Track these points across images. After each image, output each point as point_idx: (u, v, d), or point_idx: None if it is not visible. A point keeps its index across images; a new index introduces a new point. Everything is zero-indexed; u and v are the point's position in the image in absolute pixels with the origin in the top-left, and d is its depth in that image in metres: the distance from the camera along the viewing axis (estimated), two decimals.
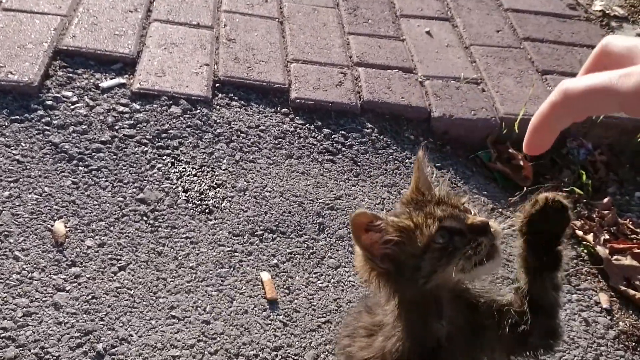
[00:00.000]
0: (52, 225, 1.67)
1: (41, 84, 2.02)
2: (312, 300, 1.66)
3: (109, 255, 1.65)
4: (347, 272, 1.75)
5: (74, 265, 1.60)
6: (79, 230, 1.69)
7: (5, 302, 1.49)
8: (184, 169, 1.91)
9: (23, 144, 1.86)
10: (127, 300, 1.56)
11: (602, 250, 1.95)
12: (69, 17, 2.29)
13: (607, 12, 3.05)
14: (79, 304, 1.52)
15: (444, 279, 0.95)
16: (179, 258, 1.68)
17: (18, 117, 1.92)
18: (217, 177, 1.92)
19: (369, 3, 2.78)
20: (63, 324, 1.48)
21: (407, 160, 2.12)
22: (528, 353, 1.07)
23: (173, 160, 1.93)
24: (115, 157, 1.89)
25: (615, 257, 1.95)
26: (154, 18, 2.41)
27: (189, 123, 2.04)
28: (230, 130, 2.06)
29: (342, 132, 2.15)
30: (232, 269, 1.69)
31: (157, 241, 1.71)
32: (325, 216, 1.88)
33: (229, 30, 2.44)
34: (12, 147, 1.84)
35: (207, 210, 1.82)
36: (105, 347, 1.45)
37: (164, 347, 1.48)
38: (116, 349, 1.46)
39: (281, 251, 1.76)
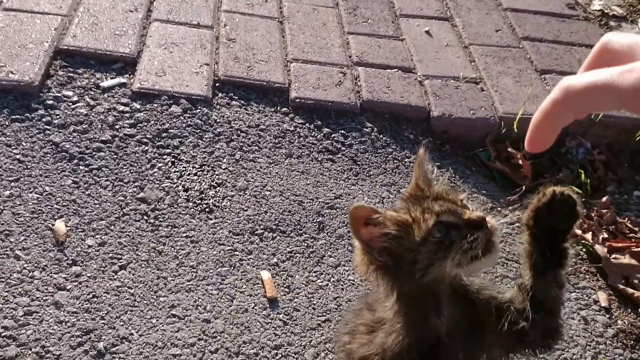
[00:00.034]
0: (52, 225, 1.68)
1: (42, 83, 2.02)
2: (312, 299, 1.67)
3: (110, 254, 1.65)
4: (347, 270, 1.76)
5: (75, 264, 1.61)
6: (79, 230, 1.69)
7: (6, 301, 1.49)
8: (184, 168, 1.92)
9: (24, 144, 1.86)
10: (127, 299, 1.57)
11: (600, 249, 1.96)
12: (69, 17, 2.30)
13: (605, 11, 3.05)
14: (79, 303, 1.53)
15: (441, 272, 0.96)
16: (180, 257, 1.69)
17: (19, 116, 1.93)
18: (217, 176, 1.92)
19: (368, 3, 2.78)
20: (64, 323, 1.48)
21: (406, 160, 2.13)
22: (527, 351, 1.08)
23: (173, 159, 1.94)
24: (115, 156, 1.90)
25: (613, 255, 1.96)
26: (154, 18, 2.42)
27: (189, 122, 2.04)
28: (231, 129, 2.06)
29: (342, 131, 2.15)
30: (232, 267, 1.69)
31: (157, 240, 1.71)
32: (325, 215, 1.89)
33: (229, 30, 2.44)
34: (13, 147, 1.85)
35: (207, 210, 1.83)
36: (106, 346, 1.46)
37: (165, 345, 1.49)
38: (117, 347, 1.46)
39: (281, 250, 1.77)
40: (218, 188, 1.89)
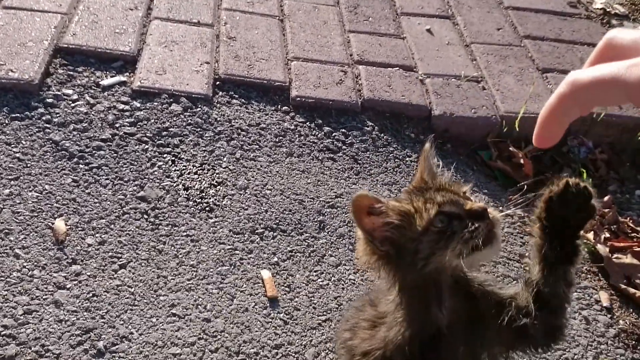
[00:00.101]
0: (52, 223, 1.68)
1: (42, 81, 2.02)
2: (312, 298, 1.66)
3: (110, 253, 1.65)
4: (348, 270, 1.75)
5: (75, 263, 1.60)
6: (79, 228, 1.69)
7: (5, 300, 1.49)
8: (184, 167, 1.91)
9: (24, 142, 1.86)
10: (127, 298, 1.56)
11: (602, 249, 1.96)
12: (69, 15, 2.29)
13: (607, 10, 3.04)
14: (79, 302, 1.53)
15: (442, 262, 0.96)
16: (180, 256, 1.68)
17: (19, 115, 1.92)
18: (217, 175, 1.92)
19: (369, 1, 2.78)
20: (64, 322, 1.48)
21: (407, 159, 2.12)
22: (528, 348, 1.07)
23: (174, 158, 1.93)
24: (115, 155, 1.89)
25: (615, 255, 1.95)
26: (154, 16, 2.41)
27: (189, 121, 2.04)
28: (231, 128, 2.06)
29: (343, 130, 2.15)
30: (232, 267, 1.69)
31: (157, 239, 1.71)
32: (325, 214, 1.88)
33: (230, 28, 2.44)
34: (13, 145, 1.84)
35: (207, 208, 1.82)
36: (105, 345, 1.45)
37: (165, 344, 1.48)
38: (117, 346, 1.46)
39: (282, 249, 1.76)
40: (218, 187, 1.89)
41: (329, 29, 2.56)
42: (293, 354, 1.53)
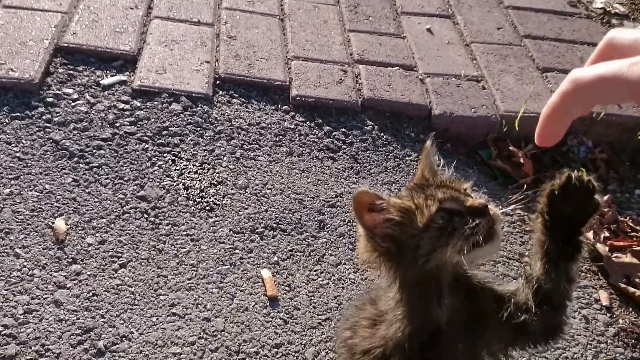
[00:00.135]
0: (52, 223, 1.68)
1: (42, 81, 2.02)
2: (312, 298, 1.66)
3: (110, 253, 1.65)
4: (348, 269, 1.75)
5: (75, 263, 1.61)
6: (79, 228, 1.69)
7: (6, 299, 1.49)
8: (184, 167, 1.91)
9: (24, 141, 1.86)
10: (127, 297, 1.56)
11: (602, 248, 1.96)
12: (69, 14, 2.29)
13: (607, 9, 3.04)
14: (79, 302, 1.53)
15: (442, 259, 0.96)
16: (180, 255, 1.68)
17: (19, 114, 1.92)
18: (217, 175, 1.92)
19: (369, 0, 2.78)
20: (64, 321, 1.48)
21: (407, 158, 2.13)
22: (528, 345, 1.07)
23: (174, 157, 1.93)
24: (116, 154, 1.89)
25: (615, 254, 1.95)
26: (154, 15, 2.41)
27: (189, 120, 2.04)
28: (231, 127, 2.06)
29: (343, 129, 2.15)
30: (232, 266, 1.69)
31: (157, 238, 1.71)
32: (325, 214, 1.89)
33: (230, 27, 2.44)
34: (13, 144, 1.85)
35: (207, 208, 1.82)
36: (106, 345, 1.45)
37: (165, 344, 1.49)
38: (117, 346, 1.46)
39: (282, 249, 1.76)
40: (218, 186, 1.89)
41: (329, 28, 2.56)
42: (293, 353, 1.53)
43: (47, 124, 1.92)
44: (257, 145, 2.04)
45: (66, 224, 1.68)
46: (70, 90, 2.03)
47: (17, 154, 1.82)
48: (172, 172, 1.89)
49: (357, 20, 2.65)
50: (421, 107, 2.25)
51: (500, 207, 1.02)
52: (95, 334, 1.47)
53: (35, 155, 1.83)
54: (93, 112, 1.99)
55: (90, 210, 1.74)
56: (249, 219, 1.82)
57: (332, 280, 1.72)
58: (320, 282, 1.71)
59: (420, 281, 1.02)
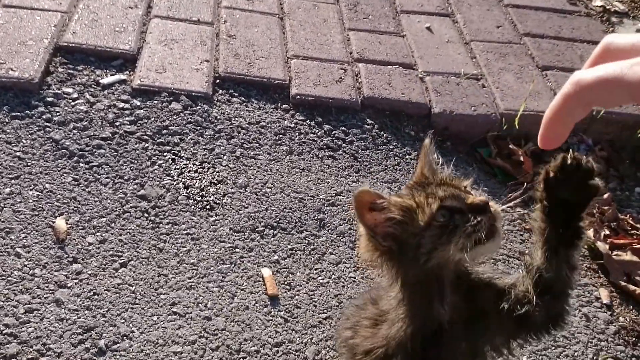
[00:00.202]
0: (53, 222, 1.68)
1: (42, 80, 2.02)
2: (313, 296, 1.67)
3: (110, 252, 1.65)
4: (348, 268, 1.75)
5: (76, 262, 1.61)
6: (80, 227, 1.69)
7: (7, 298, 1.49)
8: (184, 165, 1.91)
9: (24, 141, 1.86)
10: (128, 296, 1.56)
11: (602, 246, 1.96)
12: (69, 14, 2.29)
13: (607, 7, 3.04)
14: (80, 301, 1.53)
15: (444, 257, 0.96)
16: (180, 254, 1.69)
17: (19, 113, 1.92)
18: (217, 174, 1.92)
19: None
20: (65, 321, 1.48)
21: (407, 156, 2.13)
22: (530, 336, 1.06)
23: (174, 156, 1.93)
24: (116, 153, 1.89)
25: (615, 252, 1.95)
26: (154, 14, 2.41)
27: (189, 119, 2.04)
28: (231, 126, 2.06)
29: (343, 128, 2.15)
30: (233, 265, 1.69)
31: (158, 237, 1.71)
32: (325, 212, 1.89)
33: (229, 26, 2.44)
34: (13, 144, 1.85)
35: (208, 207, 1.82)
36: (106, 344, 1.46)
37: (166, 343, 1.49)
38: (118, 345, 1.46)
39: (282, 247, 1.76)
40: (219, 185, 1.89)
41: (329, 27, 2.56)
42: (294, 352, 1.54)
43: (47, 124, 1.92)
44: (257, 144, 2.04)
45: (67, 223, 1.68)
46: (70, 90, 2.03)
47: (18, 154, 1.82)
48: (172, 171, 1.89)
49: (357, 19, 2.65)
50: (421, 105, 2.26)
51: (501, 204, 1.01)
52: (96, 333, 1.47)
53: (35, 155, 1.83)
54: (93, 111, 1.99)
55: (91, 209, 1.74)
56: (249, 217, 1.82)
57: (332, 279, 1.72)
58: (321, 281, 1.71)
59: (421, 280, 1.02)
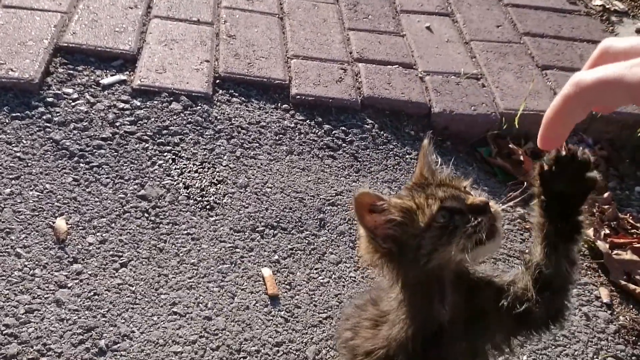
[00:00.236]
0: (53, 222, 1.68)
1: (42, 81, 2.02)
2: (313, 296, 1.67)
3: (111, 252, 1.65)
4: (348, 267, 1.75)
5: (76, 262, 1.61)
6: (80, 227, 1.69)
7: (7, 299, 1.49)
8: (185, 166, 1.92)
9: (24, 141, 1.86)
10: (128, 296, 1.56)
11: (602, 245, 1.96)
12: (69, 14, 2.29)
13: (607, 6, 3.04)
14: (80, 301, 1.53)
15: (445, 258, 0.96)
16: (180, 254, 1.69)
17: (19, 114, 1.93)
18: (218, 174, 1.92)
19: None
20: (65, 321, 1.48)
21: (407, 156, 2.13)
22: (530, 333, 1.06)
23: (174, 156, 1.93)
24: (116, 153, 1.89)
25: (615, 251, 1.95)
26: (154, 14, 2.41)
27: (189, 119, 2.04)
28: (231, 126, 2.06)
29: (343, 128, 2.15)
30: (233, 265, 1.69)
31: (158, 237, 1.71)
32: (326, 212, 1.89)
33: (229, 26, 2.44)
34: (14, 144, 1.85)
35: (208, 207, 1.82)
36: (107, 344, 1.46)
37: (166, 343, 1.49)
38: (118, 345, 1.46)
39: (282, 247, 1.77)
40: (219, 185, 1.89)
41: (329, 27, 2.56)
42: (294, 352, 1.54)
43: (47, 124, 1.92)
44: (257, 144, 2.04)
45: (67, 223, 1.68)
46: (70, 90, 2.03)
47: (18, 154, 1.82)
48: (172, 171, 1.89)
49: (357, 18, 2.65)
50: (421, 105, 2.26)
51: (501, 203, 1.01)
52: (96, 333, 1.47)
53: (35, 155, 1.83)
54: (93, 111, 1.99)
55: (91, 209, 1.74)
56: (250, 217, 1.82)
57: (332, 279, 1.72)
58: (321, 281, 1.71)
59: (422, 281, 1.02)
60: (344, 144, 2.11)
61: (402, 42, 2.56)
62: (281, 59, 2.33)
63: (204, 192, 1.86)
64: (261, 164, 1.98)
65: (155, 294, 1.58)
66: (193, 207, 1.81)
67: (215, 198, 1.85)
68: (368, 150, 2.11)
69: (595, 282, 1.89)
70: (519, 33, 2.75)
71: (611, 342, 1.72)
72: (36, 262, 1.58)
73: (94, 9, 2.34)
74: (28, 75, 2.00)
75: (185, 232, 1.74)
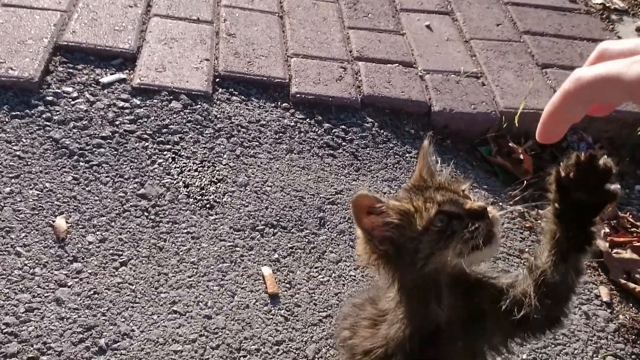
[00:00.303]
0: (53, 221, 1.68)
1: (41, 79, 2.02)
2: (313, 295, 1.67)
3: (111, 251, 1.65)
4: (348, 266, 1.76)
5: (76, 261, 1.61)
6: (80, 226, 1.69)
7: (7, 297, 1.49)
8: (184, 164, 1.91)
9: (24, 140, 1.86)
10: (128, 295, 1.56)
11: (602, 244, 1.96)
12: (68, 13, 2.29)
13: (607, 5, 3.04)
14: (80, 300, 1.53)
15: (442, 262, 0.96)
16: (180, 253, 1.69)
17: (19, 113, 1.92)
18: (217, 172, 1.92)
19: None
20: (65, 319, 1.48)
21: (407, 155, 2.13)
22: (527, 336, 1.06)
23: (174, 155, 1.93)
24: (116, 152, 1.89)
25: (615, 250, 1.95)
26: (153, 13, 2.41)
27: (189, 118, 2.04)
28: (231, 125, 2.06)
29: (343, 126, 2.15)
30: (233, 263, 1.69)
31: (158, 236, 1.71)
32: (326, 211, 1.89)
33: (229, 25, 2.44)
34: (13, 143, 1.85)
35: (208, 205, 1.82)
36: (107, 342, 1.46)
37: (166, 342, 1.49)
38: (118, 344, 1.46)
39: (282, 246, 1.77)
40: (219, 184, 1.89)
41: (329, 26, 2.56)
42: (294, 350, 1.54)
43: (47, 123, 1.92)
44: (257, 143, 2.04)
45: (67, 222, 1.68)
46: (69, 89, 2.03)
47: (17, 153, 1.82)
48: (172, 170, 1.89)
49: (357, 17, 2.65)
50: (421, 103, 2.26)
51: (500, 204, 1.01)
52: (96, 331, 1.47)
53: (35, 154, 1.83)
54: (93, 110, 1.99)
55: (91, 208, 1.74)
56: (250, 216, 1.82)
57: (332, 278, 1.72)
58: (321, 279, 1.71)
59: (419, 284, 1.02)
60: (344, 143, 2.11)
61: (402, 40, 2.56)
62: (281, 58, 2.32)
63: (204, 191, 1.86)
64: (261, 163, 1.98)
65: (155, 293, 1.58)
66: (193, 205, 1.81)
67: (215, 197, 1.85)
68: (368, 148, 2.11)
69: (595, 280, 1.89)
70: (519, 31, 2.75)
71: (611, 341, 1.72)
72: (36, 261, 1.58)
73: (93, 8, 2.34)
74: (28, 74, 1.99)
75: (185, 230, 1.74)
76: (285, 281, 1.68)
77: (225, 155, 1.97)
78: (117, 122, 1.97)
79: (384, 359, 1.09)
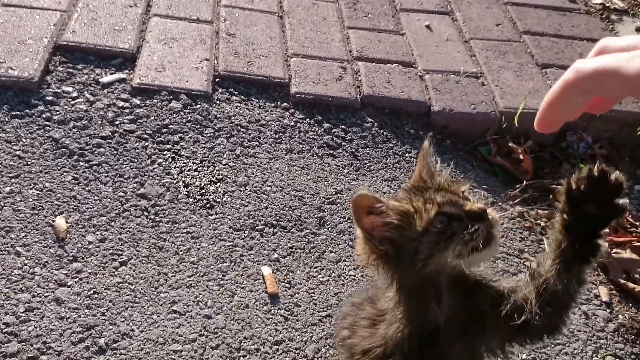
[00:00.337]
0: (53, 221, 1.68)
1: (41, 79, 2.02)
2: (313, 295, 1.67)
3: (110, 251, 1.65)
4: (348, 266, 1.76)
5: (76, 261, 1.61)
6: (80, 226, 1.69)
7: (7, 297, 1.49)
8: (184, 164, 1.92)
9: (24, 140, 1.86)
10: (128, 295, 1.57)
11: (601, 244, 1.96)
12: (68, 13, 2.29)
13: (607, 5, 3.04)
14: (80, 299, 1.53)
15: (441, 263, 0.96)
16: (180, 253, 1.69)
17: (18, 112, 1.92)
18: (217, 172, 1.92)
19: None
20: (65, 319, 1.48)
21: (407, 155, 2.13)
22: (525, 342, 1.06)
23: (174, 155, 1.93)
24: (115, 152, 1.89)
25: (614, 250, 1.96)
26: (153, 13, 2.41)
27: (189, 118, 2.04)
28: (231, 125, 2.06)
29: (343, 126, 2.15)
30: (233, 263, 1.69)
31: (158, 236, 1.71)
32: (325, 210, 1.89)
33: (229, 24, 2.44)
34: (13, 143, 1.85)
35: (207, 205, 1.82)
36: (107, 342, 1.46)
37: (166, 341, 1.49)
38: (118, 343, 1.46)
39: (282, 245, 1.77)
40: (218, 184, 1.89)
41: (328, 26, 2.56)
42: (294, 350, 1.54)
43: (47, 123, 1.92)
44: (257, 143, 2.04)
45: (66, 222, 1.68)
46: (69, 89, 2.03)
47: (17, 153, 1.82)
48: (172, 170, 1.89)
49: (356, 17, 2.65)
50: (420, 103, 2.26)
51: (500, 203, 1.01)
52: (96, 331, 1.47)
53: (35, 154, 1.83)
54: (93, 110, 1.99)
55: (91, 208, 1.74)
56: (249, 216, 1.82)
57: (332, 277, 1.72)
58: (321, 279, 1.71)
59: (418, 285, 1.02)
60: (343, 143, 2.11)
61: (402, 40, 2.56)
62: (281, 58, 2.32)
63: (204, 191, 1.86)
64: (261, 163, 1.98)
65: (155, 293, 1.58)
66: (193, 205, 1.81)
67: (215, 196, 1.85)
68: (368, 148, 2.11)
69: (595, 280, 1.89)
70: (518, 31, 2.75)
71: (610, 341, 1.72)
72: (36, 261, 1.58)
73: (93, 8, 2.34)
74: (27, 73, 1.99)
75: (185, 230, 1.74)
76: (285, 281, 1.68)
77: (225, 155, 1.97)
78: (117, 122, 1.97)
79: (382, 358, 1.09)
